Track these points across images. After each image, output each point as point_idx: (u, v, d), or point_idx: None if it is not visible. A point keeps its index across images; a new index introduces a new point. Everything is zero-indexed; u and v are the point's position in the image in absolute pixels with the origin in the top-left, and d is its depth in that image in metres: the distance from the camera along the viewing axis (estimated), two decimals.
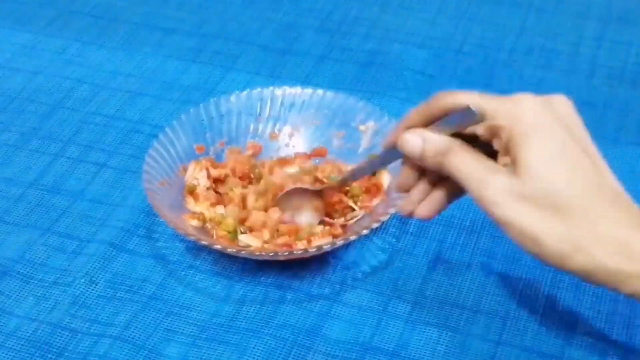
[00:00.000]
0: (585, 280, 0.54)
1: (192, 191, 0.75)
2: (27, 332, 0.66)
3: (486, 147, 0.58)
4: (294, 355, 0.64)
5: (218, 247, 0.68)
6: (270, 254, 0.69)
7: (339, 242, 0.68)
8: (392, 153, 0.62)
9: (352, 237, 0.68)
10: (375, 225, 0.69)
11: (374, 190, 0.75)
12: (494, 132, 0.56)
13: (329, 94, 0.80)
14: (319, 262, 0.71)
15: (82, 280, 0.70)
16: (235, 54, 0.96)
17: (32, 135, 0.85)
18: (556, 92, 0.90)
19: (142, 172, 0.73)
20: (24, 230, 0.75)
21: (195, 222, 0.72)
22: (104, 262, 0.72)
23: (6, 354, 0.65)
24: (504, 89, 0.90)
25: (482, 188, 0.55)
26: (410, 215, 0.62)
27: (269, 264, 0.71)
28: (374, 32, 1.00)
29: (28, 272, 0.71)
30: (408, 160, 0.61)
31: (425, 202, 0.61)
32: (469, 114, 0.55)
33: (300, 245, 0.70)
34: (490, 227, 0.74)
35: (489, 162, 0.56)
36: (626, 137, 0.84)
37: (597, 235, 0.53)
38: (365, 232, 0.68)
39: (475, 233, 0.74)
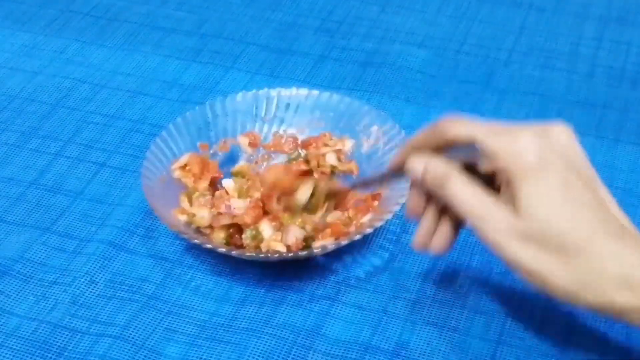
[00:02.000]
0: (598, 314, 0.54)
1: (189, 195, 0.75)
2: (27, 332, 0.66)
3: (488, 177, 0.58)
4: (294, 355, 0.64)
5: (209, 246, 0.68)
6: (261, 256, 0.69)
7: (343, 242, 0.68)
8: (398, 173, 0.62)
9: (356, 237, 0.68)
10: (378, 224, 0.69)
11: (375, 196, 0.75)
12: (495, 169, 0.56)
13: (335, 97, 0.80)
14: (319, 261, 0.71)
15: (82, 279, 0.70)
16: (235, 54, 0.96)
17: (32, 134, 0.85)
18: (556, 92, 0.91)
19: (142, 168, 0.73)
20: (23, 229, 0.75)
21: (184, 217, 0.72)
22: (103, 262, 0.72)
23: (6, 353, 0.65)
24: (504, 88, 0.90)
25: (485, 225, 0.55)
26: (424, 248, 0.61)
27: (270, 263, 0.71)
28: (374, 32, 1.00)
29: (28, 271, 0.71)
30: (414, 183, 0.61)
31: (436, 236, 0.61)
32: (473, 149, 0.55)
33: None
34: None
35: (490, 198, 0.55)
36: (626, 137, 0.84)
37: (605, 274, 0.52)
38: (368, 230, 0.68)
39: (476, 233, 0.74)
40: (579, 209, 0.53)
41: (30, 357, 0.65)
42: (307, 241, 0.70)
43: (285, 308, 0.68)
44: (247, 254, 0.69)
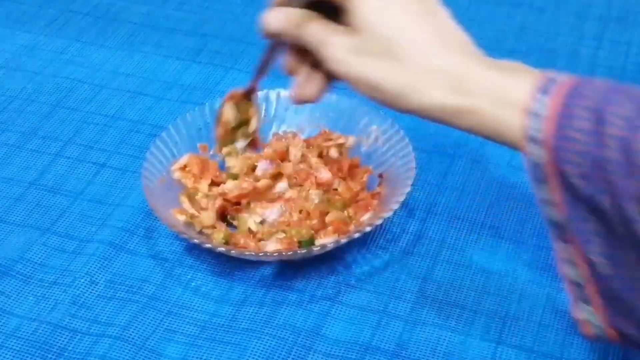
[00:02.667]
0: (424, 118, 0.56)
1: (189, 195, 0.75)
2: (27, 332, 0.67)
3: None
4: (294, 355, 0.64)
5: (209, 246, 0.68)
6: (260, 254, 0.69)
7: (343, 240, 0.68)
8: (274, 40, 0.62)
9: (356, 235, 0.68)
10: (377, 222, 0.69)
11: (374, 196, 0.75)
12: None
13: (334, 97, 0.80)
14: (319, 261, 0.71)
15: (82, 280, 0.70)
16: (236, 54, 0.96)
17: (32, 135, 0.85)
18: None
19: (141, 169, 0.73)
20: (24, 230, 0.75)
21: (183, 218, 0.72)
22: (104, 262, 0.72)
23: (6, 353, 0.65)
24: None
25: (326, 49, 0.57)
26: (299, 100, 0.63)
27: (270, 263, 0.71)
28: None
29: (28, 272, 0.71)
30: (277, 38, 0.61)
31: (308, 86, 0.62)
32: None
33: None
34: (490, 227, 0.74)
35: (333, 25, 0.58)
36: None
37: (431, 73, 0.54)
38: (368, 229, 0.68)
39: (475, 233, 0.74)
40: (410, 17, 0.55)
41: (31, 358, 0.65)
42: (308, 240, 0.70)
43: (286, 308, 0.68)
44: (247, 253, 0.69)
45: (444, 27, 0.57)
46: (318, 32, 0.58)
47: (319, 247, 0.68)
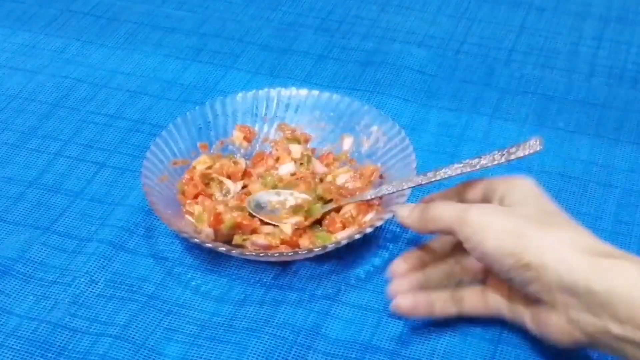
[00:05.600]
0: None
1: (183, 191, 0.75)
2: (27, 331, 0.67)
3: None
4: (294, 354, 0.64)
5: (209, 245, 0.68)
6: (261, 255, 0.69)
7: (343, 241, 0.68)
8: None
9: (357, 236, 0.68)
10: (378, 223, 0.69)
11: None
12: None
13: (336, 97, 0.80)
14: (319, 260, 0.71)
15: (82, 279, 0.70)
16: (235, 53, 0.96)
17: (32, 134, 0.85)
18: (556, 91, 0.91)
19: (142, 168, 0.73)
20: (24, 229, 0.75)
21: (190, 219, 0.73)
22: (103, 262, 0.72)
23: (6, 353, 0.65)
24: (504, 88, 0.90)
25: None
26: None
27: (270, 262, 0.71)
28: (374, 31, 1.00)
29: (28, 271, 0.71)
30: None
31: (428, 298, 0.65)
32: None
33: (303, 244, 0.70)
34: None
35: None
36: (626, 137, 0.84)
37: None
38: (369, 230, 0.68)
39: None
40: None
41: (30, 357, 0.65)
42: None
43: (286, 308, 0.68)
44: (247, 253, 0.69)
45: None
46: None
47: (319, 248, 0.68)
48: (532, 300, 0.59)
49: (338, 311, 0.68)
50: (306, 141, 0.80)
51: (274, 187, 0.75)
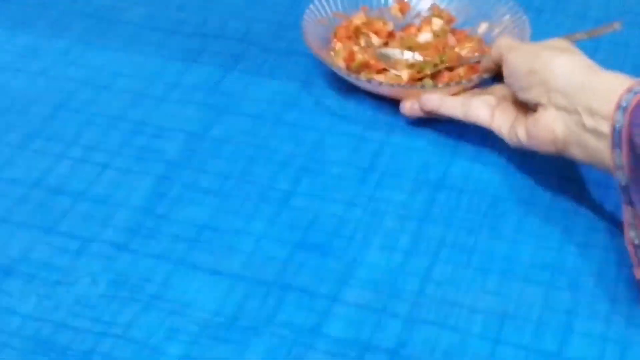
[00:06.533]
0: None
1: (336, 33, 0.90)
2: (31, 331, 0.67)
3: None
4: (295, 353, 0.65)
5: (343, 74, 0.83)
6: (389, 85, 0.82)
7: (454, 88, 0.81)
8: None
9: (453, 85, 0.81)
10: (477, 80, 0.82)
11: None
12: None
13: None
14: (319, 258, 0.72)
15: (85, 279, 0.71)
16: (237, 55, 0.96)
17: (35, 136, 0.86)
18: None
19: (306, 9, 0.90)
20: (27, 230, 0.76)
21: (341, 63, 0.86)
22: (106, 262, 0.72)
23: (9, 352, 0.65)
24: None
25: None
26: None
27: (271, 260, 0.72)
28: None
29: (31, 271, 0.72)
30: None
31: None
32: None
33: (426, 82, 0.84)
34: (489, 226, 0.75)
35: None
36: None
37: None
38: (465, 83, 0.82)
39: (475, 233, 0.74)
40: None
41: (34, 357, 0.65)
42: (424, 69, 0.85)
43: (286, 307, 0.68)
44: (374, 82, 0.82)
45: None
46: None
47: (431, 85, 0.81)
48: (527, 116, 0.73)
49: (338, 310, 0.68)
50: (450, 21, 0.92)
51: (409, 48, 0.89)
